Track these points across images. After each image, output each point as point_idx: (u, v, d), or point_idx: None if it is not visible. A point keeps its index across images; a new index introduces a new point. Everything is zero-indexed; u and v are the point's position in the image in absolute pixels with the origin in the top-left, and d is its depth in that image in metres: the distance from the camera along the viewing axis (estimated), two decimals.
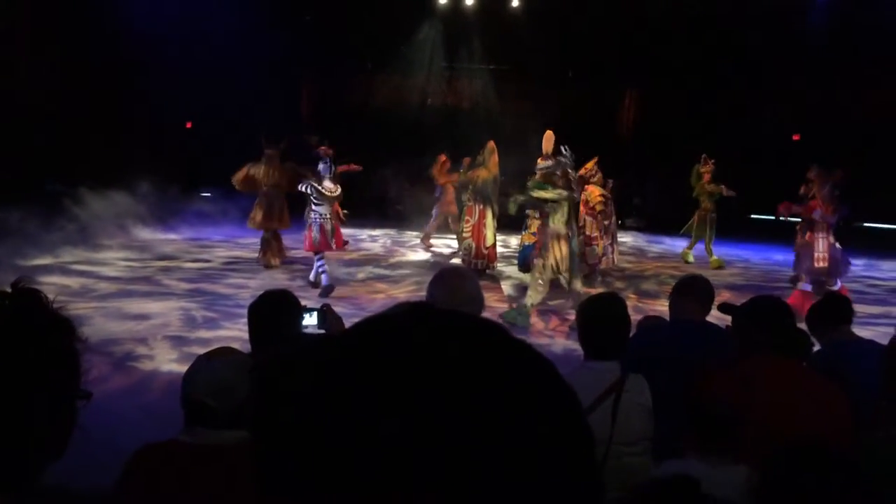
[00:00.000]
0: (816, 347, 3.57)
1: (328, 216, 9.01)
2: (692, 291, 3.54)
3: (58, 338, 1.11)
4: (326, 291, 8.63)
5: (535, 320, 8.16)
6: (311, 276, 9.33)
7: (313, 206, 8.99)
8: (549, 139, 10.04)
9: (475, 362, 0.49)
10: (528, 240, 9.86)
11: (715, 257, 12.19)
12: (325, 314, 2.94)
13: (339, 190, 9.09)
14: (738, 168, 15.40)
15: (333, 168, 9.03)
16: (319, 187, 8.92)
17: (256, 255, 10.71)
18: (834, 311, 3.56)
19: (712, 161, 12.27)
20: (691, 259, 12.73)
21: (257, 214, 10.24)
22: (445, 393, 0.47)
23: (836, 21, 15.24)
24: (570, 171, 7.73)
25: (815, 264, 9.04)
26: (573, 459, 0.49)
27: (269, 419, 0.50)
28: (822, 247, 9.05)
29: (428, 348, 0.49)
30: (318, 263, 9.09)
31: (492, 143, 10.63)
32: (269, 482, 0.49)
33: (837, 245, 9.25)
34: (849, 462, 1.74)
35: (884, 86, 14.99)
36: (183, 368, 2.24)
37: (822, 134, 14.55)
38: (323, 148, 10.10)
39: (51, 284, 8.25)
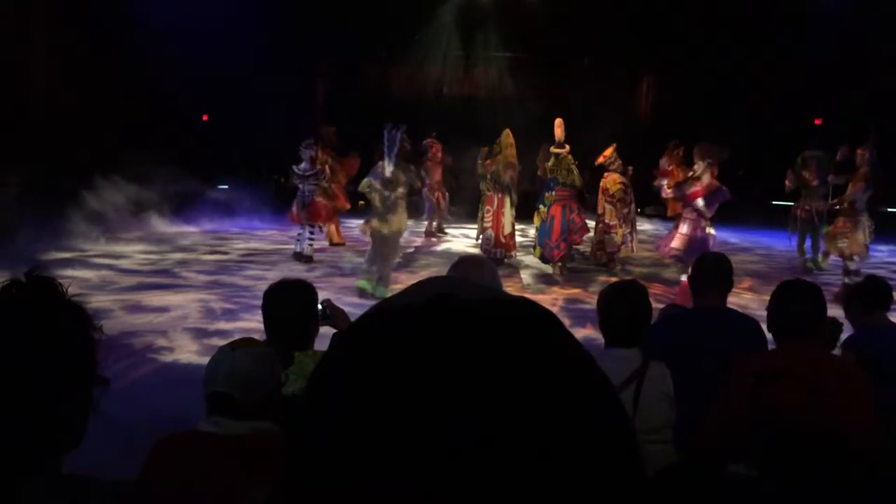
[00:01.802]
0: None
1: (306, 193, 10.29)
2: (703, 276, 3.49)
3: (72, 325, 1.11)
4: (299, 258, 10.20)
5: (552, 309, 8.14)
6: (300, 248, 10.42)
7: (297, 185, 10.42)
8: (559, 126, 10.01)
9: (500, 355, 0.46)
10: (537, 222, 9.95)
11: (818, 256, 10.58)
12: (326, 309, 2.93)
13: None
14: (758, 154, 15.26)
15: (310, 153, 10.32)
16: (297, 170, 10.31)
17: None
18: (872, 295, 3.50)
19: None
20: (825, 265, 10.42)
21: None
22: (474, 389, 0.45)
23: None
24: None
25: (670, 243, 8.65)
26: (614, 454, 0.47)
27: (305, 415, 0.49)
28: (685, 229, 8.66)
29: (452, 344, 0.47)
30: (308, 233, 10.39)
31: (507, 132, 10.60)
32: (300, 479, 0.47)
33: (709, 231, 8.67)
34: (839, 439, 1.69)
35: None
36: (203, 360, 2.25)
37: (845, 117, 14.31)
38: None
39: (71, 278, 8.29)
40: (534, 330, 0.50)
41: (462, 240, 13.01)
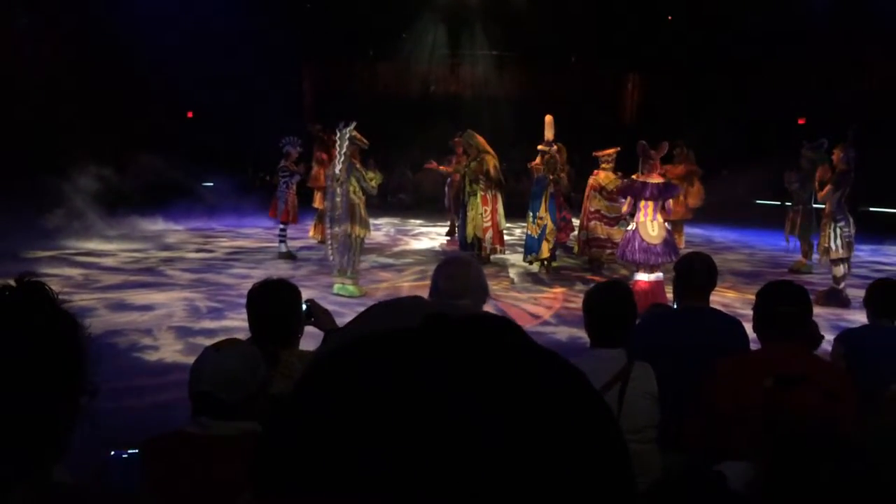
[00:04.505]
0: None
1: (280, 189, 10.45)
2: (692, 279, 3.51)
3: (63, 333, 1.10)
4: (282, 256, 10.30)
5: (537, 307, 8.17)
6: (284, 248, 10.46)
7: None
8: (549, 125, 10.03)
9: (491, 374, 0.48)
10: (533, 231, 9.87)
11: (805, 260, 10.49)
12: (311, 309, 2.93)
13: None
14: (742, 153, 15.37)
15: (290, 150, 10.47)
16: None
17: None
18: (880, 303, 3.53)
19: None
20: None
21: (317, 197, 11.14)
22: (458, 407, 0.46)
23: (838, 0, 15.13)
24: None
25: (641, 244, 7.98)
26: (607, 468, 0.48)
27: (280, 422, 0.50)
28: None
29: (445, 372, 0.48)
30: (279, 230, 10.50)
31: (472, 133, 10.70)
32: (269, 482, 0.48)
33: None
34: (855, 447, 1.70)
35: (889, 65, 14.89)
36: (188, 359, 2.25)
37: (828, 117, 14.44)
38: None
39: (54, 276, 8.25)
40: (500, 343, 0.51)
41: (439, 239, 13.05)
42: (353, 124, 8.18)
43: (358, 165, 8.24)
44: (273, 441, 0.50)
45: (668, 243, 7.87)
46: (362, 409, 0.46)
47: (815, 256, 9.75)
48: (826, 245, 8.70)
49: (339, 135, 8.19)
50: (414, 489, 0.44)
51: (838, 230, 8.56)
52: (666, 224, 8.11)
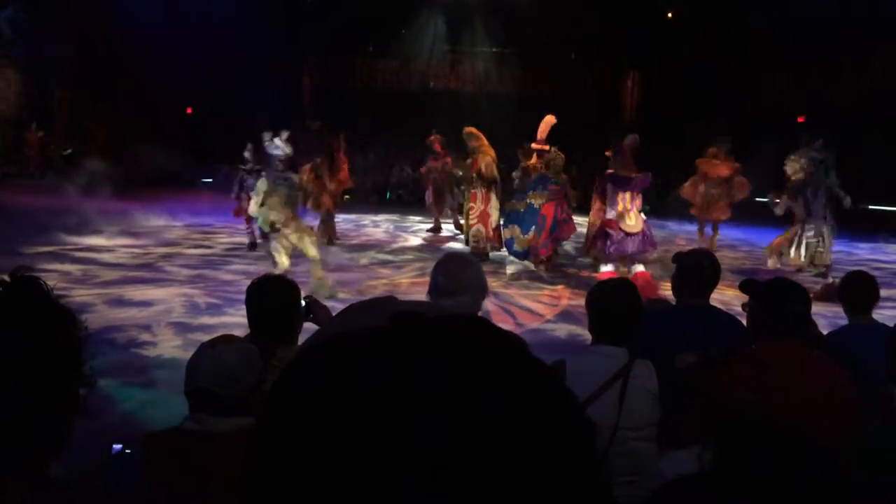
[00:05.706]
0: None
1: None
2: (699, 277, 3.50)
3: (57, 325, 1.09)
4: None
5: (536, 304, 8.16)
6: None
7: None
8: (547, 124, 10.00)
9: (463, 374, 0.48)
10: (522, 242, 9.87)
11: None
12: (310, 306, 2.93)
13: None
14: (742, 150, 15.36)
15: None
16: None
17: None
18: (853, 297, 3.54)
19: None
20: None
21: (310, 200, 10.94)
22: (432, 404, 0.46)
23: None
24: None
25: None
26: (569, 459, 0.48)
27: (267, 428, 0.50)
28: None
29: (415, 370, 0.48)
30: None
31: (472, 130, 10.67)
32: (261, 489, 0.49)
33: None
34: (818, 451, 1.68)
35: (890, 64, 14.87)
36: (186, 355, 2.24)
37: (828, 115, 14.45)
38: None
39: (53, 271, 8.24)
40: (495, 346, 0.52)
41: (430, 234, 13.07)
42: (285, 134, 8.13)
43: (290, 175, 8.17)
44: (254, 443, 0.51)
45: (646, 234, 7.96)
46: (327, 409, 0.47)
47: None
48: (779, 242, 9.09)
49: (279, 146, 8.14)
50: (382, 485, 0.44)
51: (801, 236, 8.92)
52: (642, 215, 8.21)
